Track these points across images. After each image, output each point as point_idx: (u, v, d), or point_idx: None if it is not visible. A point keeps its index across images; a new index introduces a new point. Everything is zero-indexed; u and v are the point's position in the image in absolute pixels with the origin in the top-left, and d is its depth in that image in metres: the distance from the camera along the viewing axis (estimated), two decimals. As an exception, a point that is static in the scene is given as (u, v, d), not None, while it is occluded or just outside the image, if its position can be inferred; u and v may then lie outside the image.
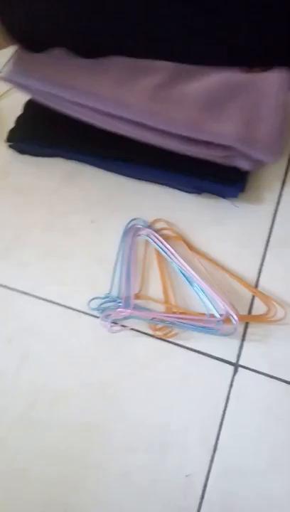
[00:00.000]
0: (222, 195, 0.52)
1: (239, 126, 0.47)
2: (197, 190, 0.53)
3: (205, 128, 0.47)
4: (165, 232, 0.52)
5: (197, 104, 0.48)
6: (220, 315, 0.45)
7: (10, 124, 0.57)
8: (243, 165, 0.49)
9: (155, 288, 0.49)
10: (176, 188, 0.54)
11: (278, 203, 0.53)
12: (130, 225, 0.52)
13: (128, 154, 0.52)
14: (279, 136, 0.48)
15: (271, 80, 0.51)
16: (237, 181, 0.51)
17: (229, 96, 0.49)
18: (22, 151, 0.58)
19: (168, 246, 0.50)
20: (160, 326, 0.46)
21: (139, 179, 0.55)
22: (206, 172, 0.51)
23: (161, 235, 0.51)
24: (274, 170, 0.55)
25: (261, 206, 0.53)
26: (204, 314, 0.46)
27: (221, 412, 0.43)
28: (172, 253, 0.49)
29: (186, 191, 0.53)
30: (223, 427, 0.43)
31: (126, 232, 0.51)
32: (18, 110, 0.58)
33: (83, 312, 0.48)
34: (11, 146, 0.58)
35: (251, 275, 0.49)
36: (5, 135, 0.57)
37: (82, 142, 0.54)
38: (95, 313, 0.47)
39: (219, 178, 0.51)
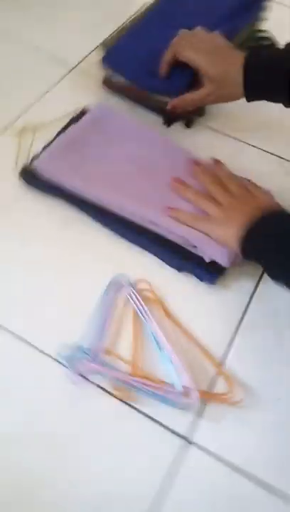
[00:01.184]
0: (201, 279, 0.55)
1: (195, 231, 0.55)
2: (178, 268, 0.56)
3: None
4: (146, 293, 0.54)
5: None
6: (182, 387, 0.46)
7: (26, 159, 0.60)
8: (204, 257, 0.54)
9: (126, 346, 0.50)
10: (161, 259, 0.57)
11: (254, 291, 0.55)
12: (114, 279, 0.53)
13: (127, 223, 0.57)
14: (232, 249, 0.53)
15: None
16: (215, 271, 0.54)
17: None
18: (30, 185, 0.61)
19: (145, 308, 0.51)
20: (121, 386, 0.47)
21: (130, 241, 0.58)
22: (188, 256, 0.55)
23: (142, 296, 0.53)
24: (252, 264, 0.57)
25: (238, 292, 0.55)
26: (165, 383, 0.47)
27: (163, 484, 0.43)
28: (148, 315, 0.51)
29: (169, 265, 0.56)
30: (163, 501, 0.43)
31: (109, 286, 0.53)
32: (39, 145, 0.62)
33: (49, 356, 0.49)
34: (21, 179, 0.61)
35: (219, 352, 0.51)
36: (20, 166, 0.61)
37: (87, 205, 0.58)
38: (61, 359, 0.48)
39: (200, 264, 0.54)
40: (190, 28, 0.64)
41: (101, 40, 0.72)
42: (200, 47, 0.61)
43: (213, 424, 0.46)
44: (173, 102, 0.65)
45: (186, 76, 0.63)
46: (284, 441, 0.46)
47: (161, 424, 0.46)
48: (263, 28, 0.81)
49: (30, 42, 0.78)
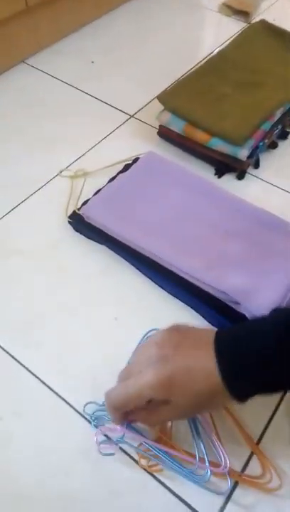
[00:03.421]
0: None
1: (238, 286, 0.53)
2: (218, 326, 0.52)
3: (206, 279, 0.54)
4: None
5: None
6: (211, 464, 0.43)
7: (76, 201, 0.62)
8: (247, 313, 0.51)
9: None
10: (201, 315, 0.54)
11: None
12: (149, 335, 0.52)
13: (169, 274, 0.56)
14: (278, 303, 0.51)
15: None
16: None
17: (243, 264, 0.56)
18: (77, 229, 0.62)
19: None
20: (147, 454, 0.44)
21: (170, 293, 0.56)
22: (231, 314, 0.52)
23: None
24: None
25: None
26: (193, 456, 0.43)
27: None
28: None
29: (208, 322, 0.54)
30: None
31: (142, 341, 0.51)
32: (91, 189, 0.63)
33: (77, 411, 0.47)
34: (70, 223, 0.62)
35: (257, 426, 0.46)
36: (69, 211, 0.62)
37: (130, 253, 0.58)
38: (87, 416, 0.46)
39: (235, 320, 0.51)
40: None
41: (157, 93, 0.74)
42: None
43: (244, 510, 0.42)
44: None
45: None
46: None
47: (186, 504, 0.42)
48: None
49: (93, 93, 0.82)
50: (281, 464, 0.44)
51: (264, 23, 0.84)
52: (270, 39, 0.81)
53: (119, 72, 0.87)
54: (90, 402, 0.47)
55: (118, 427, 0.43)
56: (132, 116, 0.79)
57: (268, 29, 0.83)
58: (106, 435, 0.45)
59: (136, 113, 0.79)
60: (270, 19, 0.88)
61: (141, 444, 0.44)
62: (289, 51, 0.79)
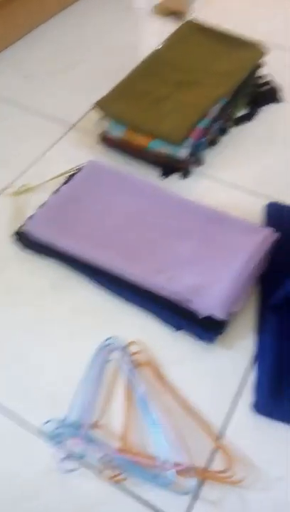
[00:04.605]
0: (199, 337, 0.52)
1: (190, 284, 0.53)
2: (176, 327, 0.53)
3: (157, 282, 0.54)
4: (138, 356, 0.51)
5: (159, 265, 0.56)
6: (174, 465, 0.43)
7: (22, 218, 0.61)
8: (200, 311, 0.52)
9: (116, 419, 0.47)
10: (158, 318, 0.54)
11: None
12: (105, 344, 0.52)
13: (121, 281, 0.55)
14: (227, 299, 0.51)
15: (244, 246, 0.56)
16: (214, 328, 0.51)
17: (193, 262, 0.56)
18: (25, 246, 0.61)
19: (136, 374, 0.49)
20: (110, 465, 0.44)
21: (124, 300, 0.56)
22: (186, 313, 0.52)
23: (134, 360, 0.50)
24: (247, 321, 0.54)
25: (238, 353, 0.52)
26: (157, 460, 0.43)
27: None
28: (139, 383, 0.48)
29: (167, 324, 0.54)
30: None
31: (99, 352, 0.51)
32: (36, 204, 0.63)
33: (36, 432, 0.46)
34: (16, 240, 0.61)
35: (218, 422, 0.47)
36: (15, 228, 0.61)
37: (79, 264, 0.57)
38: (46, 436, 0.46)
39: (198, 321, 0.51)
40: None
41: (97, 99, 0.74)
42: None
43: (210, 507, 0.42)
44: None
45: None
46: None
47: (154, 509, 0.42)
48: (263, 74, 0.81)
49: (31, 107, 0.82)
50: (244, 456, 0.45)
51: (193, 22, 0.85)
52: (201, 37, 0.82)
53: (57, 83, 0.86)
54: (49, 421, 0.46)
55: (78, 441, 0.43)
56: (74, 125, 0.79)
57: (198, 28, 0.84)
58: (68, 452, 0.45)
59: (77, 122, 0.79)
60: (202, 18, 0.90)
61: (103, 455, 0.44)
62: (221, 48, 0.80)
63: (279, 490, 0.43)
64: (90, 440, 0.45)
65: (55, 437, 0.45)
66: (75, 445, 0.44)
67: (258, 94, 0.81)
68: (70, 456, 0.44)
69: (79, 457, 0.44)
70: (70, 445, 0.45)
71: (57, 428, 0.46)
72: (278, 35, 0.94)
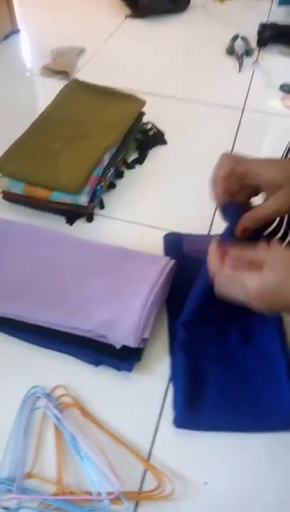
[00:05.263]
0: (118, 368, 0.56)
1: (101, 320, 0.57)
2: (95, 363, 0.57)
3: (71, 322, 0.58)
4: (63, 399, 0.53)
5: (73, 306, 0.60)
6: (108, 494, 0.45)
7: None
8: (115, 343, 0.56)
9: (49, 464, 0.49)
10: (77, 358, 0.58)
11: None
12: (29, 393, 0.53)
13: (37, 329, 0.58)
14: (137, 327, 0.56)
15: (147, 275, 0.62)
16: (131, 357, 0.56)
17: (103, 299, 0.60)
18: None
19: (62, 417, 0.51)
20: (48, 511, 0.45)
21: (41, 346, 0.59)
22: (102, 348, 0.56)
23: (60, 403, 0.53)
24: (161, 345, 0.60)
25: (156, 376, 0.56)
26: (92, 494, 0.46)
27: None
28: (65, 425, 0.50)
29: (86, 362, 0.57)
30: None
31: (24, 403, 0.52)
32: None
33: None
34: None
35: (145, 444, 0.51)
36: None
37: None
38: (-18, 496, 0.46)
39: (114, 353, 0.56)
40: None
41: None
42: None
43: (149, 525, 0.45)
44: (242, 226, 0.52)
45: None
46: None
47: None
48: (145, 121, 0.91)
49: None
50: (171, 470, 0.49)
51: (78, 80, 0.94)
52: (87, 94, 0.91)
53: None
54: (-19, 481, 0.47)
55: (12, 495, 0.44)
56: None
57: (83, 86, 0.92)
58: (4, 507, 0.45)
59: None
60: (88, 75, 0.99)
61: (40, 502, 0.45)
62: (105, 102, 0.89)
63: (207, 493, 0.47)
64: (25, 491, 0.46)
65: (-11, 496, 0.45)
66: (10, 499, 0.45)
67: (145, 139, 0.91)
68: (6, 511, 0.45)
69: (16, 510, 0.45)
70: (5, 500, 0.45)
71: (-11, 487, 0.46)
72: (151, 85, 1.07)
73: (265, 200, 0.53)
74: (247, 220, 0.52)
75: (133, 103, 0.89)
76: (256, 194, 0.55)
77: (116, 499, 0.45)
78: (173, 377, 0.56)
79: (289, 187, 0.50)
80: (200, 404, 0.53)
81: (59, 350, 0.58)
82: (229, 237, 0.53)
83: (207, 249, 0.50)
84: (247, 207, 0.54)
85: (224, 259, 0.47)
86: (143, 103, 0.89)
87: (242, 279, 0.44)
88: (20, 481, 0.46)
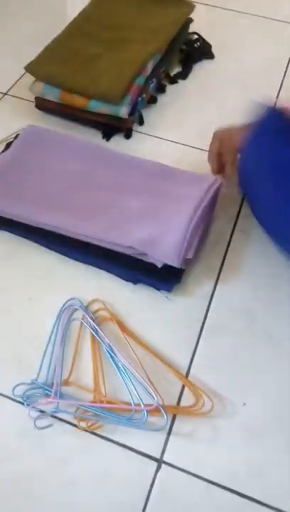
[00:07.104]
0: (157, 288, 0.54)
1: (142, 238, 0.53)
2: (134, 281, 0.54)
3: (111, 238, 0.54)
4: (101, 313, 0.52)
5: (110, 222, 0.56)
6: (146, 405, 0.45)
7: None
8: (156, 262, 0.53)
9: (86, 373, 0.48)
10: (115, 275, 0.55)
11: (211, 297, 0.54)
12: (66, 305, 0.52)
13: (75, 242, 0.55)
14: (181, 246, 0.52)
15: (191, 194, 0.57)
16: (171, 277, 0.53)
17: (144, 216, 0.56)
18: None
19: (100, 330, 0.50)
20: (85, 416, 0.45)
21: (80, 261, 0.56)
22: (142, 266, 0.53)
23: (97, 317, 0.51)
24: (208, 268, 0.57)
25: (196, 299, 0.54)
26: (130, 404, 0.45)
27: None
28: (104, 336, 0.49)
29: (124, 279, 0.55)
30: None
31: (61, 313, 0.51)
32: None
33: (7, 397, 0.46)
34: None
35: (183, 363, 0.49)
36: None
37: (30, 230, 0.57)
38: (20, 399, 0.46)
39: (155, 273, 0.53)
40: None
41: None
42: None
43: (184, 439, 0.45)
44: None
45: None
46: (253, 447, 0.45)
47: (132, 449, 0.44)
48: (192, 31, 0.82)
49: None
50: (210, 389, 0.48)
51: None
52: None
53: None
54: (19, 384, 0.46)
55: (50, 399, 0.44)
56: (6, 93, 0.75)
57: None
58: (40, 410, 0.45)
59: (9, 89, 0.76)
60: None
61: (77, 408, 0.45)
62: (150, 5, 0.79)
63: (245, 414, 0.47)
64: (62, 397, 0.45)
65: (27, 399, 0.45)
66: (48, 403, 0.45)
67: (190, 51, 0.82)
68: (43, 414, 0.45)
69: (53, 413, 0.45)
70: (43, 404, 0.45)
71: (27, 390, 0.46)
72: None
73: None
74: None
75: (180, 8, 0.79)
76: None
77: (154, 411, 0.45)
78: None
79: None
80: None
81: (96, 266, 0.56)
82: None
83: None
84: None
85: None
86: (192, 7, 0.79)
87: None
88: (57, 386, 0.46)
